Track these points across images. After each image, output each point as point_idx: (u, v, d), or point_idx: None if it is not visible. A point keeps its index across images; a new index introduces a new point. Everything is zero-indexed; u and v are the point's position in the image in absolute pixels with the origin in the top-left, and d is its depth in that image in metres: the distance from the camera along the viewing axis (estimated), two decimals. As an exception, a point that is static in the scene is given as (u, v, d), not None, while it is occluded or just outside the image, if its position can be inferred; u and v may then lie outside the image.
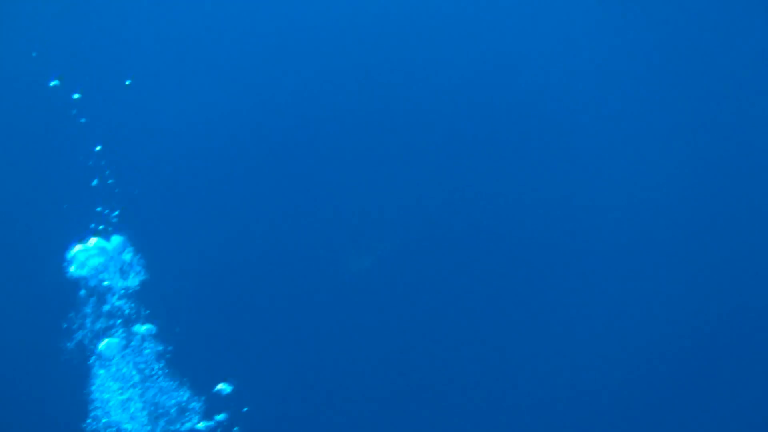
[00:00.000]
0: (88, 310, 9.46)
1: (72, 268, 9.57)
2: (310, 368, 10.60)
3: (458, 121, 12.27)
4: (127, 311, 9.56)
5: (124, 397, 9.38)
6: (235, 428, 9.80)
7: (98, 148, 11.95)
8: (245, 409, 10.07)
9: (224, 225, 11.44)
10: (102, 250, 9.69)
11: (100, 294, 9.55)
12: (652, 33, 12.27)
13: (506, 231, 11.48)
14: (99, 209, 10.76)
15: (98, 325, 9.43)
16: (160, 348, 9.60)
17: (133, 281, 9.65)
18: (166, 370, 9.55)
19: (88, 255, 9.61)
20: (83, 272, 9.54)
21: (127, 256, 9.73)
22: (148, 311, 9.63)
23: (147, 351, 9.59)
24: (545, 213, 11.55)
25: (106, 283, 9.55)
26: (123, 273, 9.66)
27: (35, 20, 12.36)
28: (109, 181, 11.77)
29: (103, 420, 9.28)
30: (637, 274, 11.00)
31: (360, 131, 12.08)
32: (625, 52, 12.20)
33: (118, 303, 9.54)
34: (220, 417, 9.75)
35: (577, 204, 11.54)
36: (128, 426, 9.32)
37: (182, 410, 9.53)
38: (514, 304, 10.93)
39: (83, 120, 12.03)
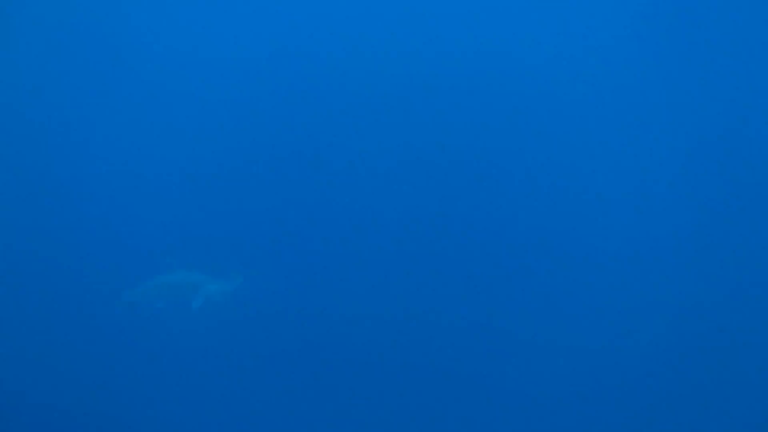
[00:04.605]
0: None
1: None
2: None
3: (457, 120, 12.32)
4: None
5: None
6: None
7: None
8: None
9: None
10: None
11: None
12: (652, 33, 12.28)
13: (505, 230, 11.53)
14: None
15: None
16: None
17: None
18: None
19: None
20: None
21: None
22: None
23: None
24: (545, 211, 11.60)
25: None
26: None
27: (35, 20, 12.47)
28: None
29: None
30: (634, 273, 11.02)
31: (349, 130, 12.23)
32: (625, 52, 12.23)
33: None
34: None
35: (576, 203, 11.57)
36: None
37: None
38: (513, 303, 10.95)
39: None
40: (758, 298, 10.45)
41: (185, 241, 11.23)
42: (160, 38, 12.63)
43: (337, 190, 11.80)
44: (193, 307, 9.62)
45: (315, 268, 11.32)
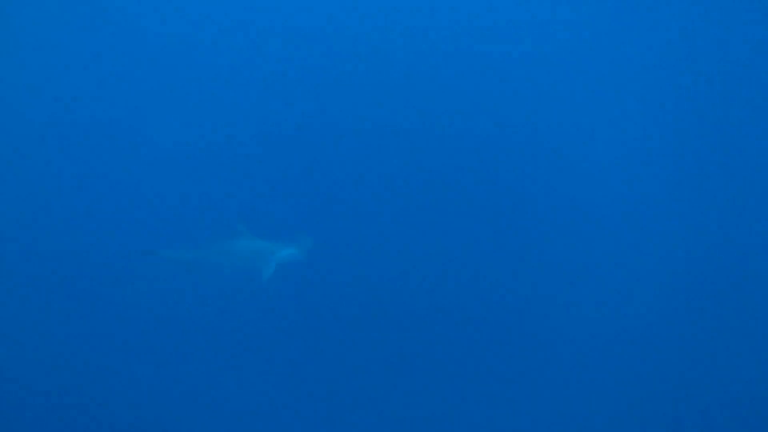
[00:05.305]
0: None
1: None
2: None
3: (456, 120, 12.37)
4: None
5: None
6: None
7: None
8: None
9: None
10: None
11: None
12: (652, 33, 12.32)
13: (504, 230, 11.54)
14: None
15: None
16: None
17: None
18: None
19: None
20: None
21: None
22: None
23: None
24: (543, 208, 11.62)
25: None
26: None
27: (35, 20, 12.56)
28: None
29: None
30: (632, 273, 11.03)
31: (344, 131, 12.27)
32: (621, 51, 12.26)
33: None
34: None
35: (573, 200, 11.60)
36: None
37: None
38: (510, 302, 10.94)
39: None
40: (756, 295, 10.49)
41: (255, 208, 11.08)
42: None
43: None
44: (263, 277, 9.47)
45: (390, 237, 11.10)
